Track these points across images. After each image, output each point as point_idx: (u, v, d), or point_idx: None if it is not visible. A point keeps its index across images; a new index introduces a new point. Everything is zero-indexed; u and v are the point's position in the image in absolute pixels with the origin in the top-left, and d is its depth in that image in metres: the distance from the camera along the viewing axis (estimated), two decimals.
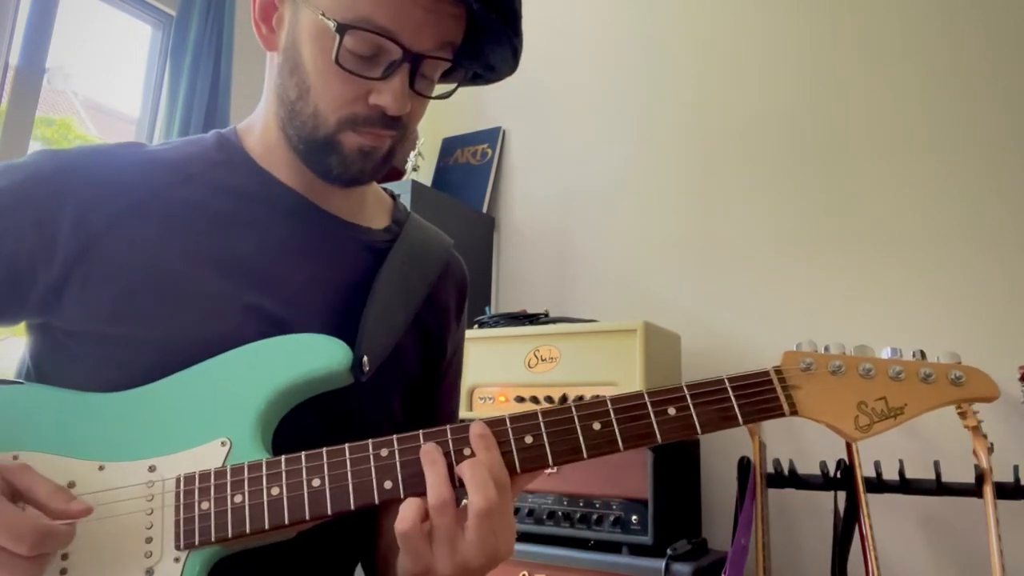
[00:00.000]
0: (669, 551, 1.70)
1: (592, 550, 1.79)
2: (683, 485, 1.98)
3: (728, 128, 2.39)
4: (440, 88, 0.87)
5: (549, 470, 1.83)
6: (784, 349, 0.78)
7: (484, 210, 2.73)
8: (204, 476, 0.69)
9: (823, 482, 1.83)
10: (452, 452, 0.70)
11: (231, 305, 0.77)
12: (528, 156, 2.79)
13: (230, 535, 0.67)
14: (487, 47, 0.83)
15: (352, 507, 0.68)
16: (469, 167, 2.84)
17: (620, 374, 1.84)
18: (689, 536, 1.83)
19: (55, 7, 2.19)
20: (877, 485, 1.78)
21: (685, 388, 0.74)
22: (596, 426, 0.72)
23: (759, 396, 0.74)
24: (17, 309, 0.77)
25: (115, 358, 0.74)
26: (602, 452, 0.72)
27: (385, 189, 1.03)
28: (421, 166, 2.59)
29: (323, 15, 0.75)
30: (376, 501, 0.69)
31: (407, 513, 0.67)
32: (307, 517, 0.68)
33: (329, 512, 0.68)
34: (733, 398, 0.74)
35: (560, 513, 1.83)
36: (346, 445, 0.70)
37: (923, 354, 0.78)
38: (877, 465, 1.79)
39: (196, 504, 0.67)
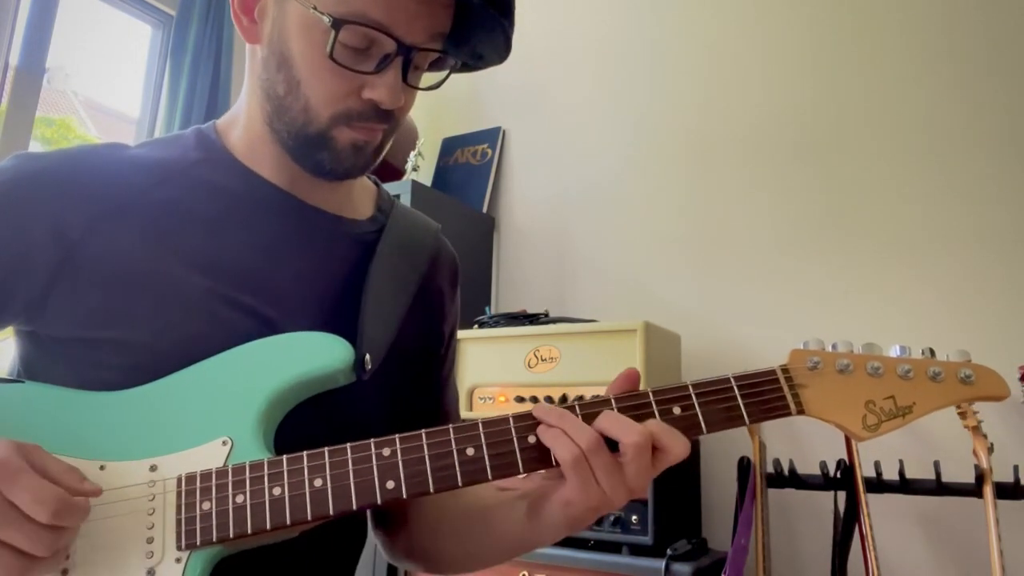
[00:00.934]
0: (669, 551, 1.70)
1: (592, 550, 1.79)
2: (683, 485, 1.98)
3: (729, 128, 2.39)
4: (428, 79, 0.86)
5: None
6: (785, 349, 0.77)
7: (484, 210, 2.73)
8: (205, 476, 0.68)
9: (823, 482, 1.83)
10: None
11: (218, 304, 0.76)
12: (528, 156, 2.79)
13: (231, 535, 0.66)
14: (477, 35, 0.82)
15: (354, 507, 0.68)
16: (469, 167, 2.84)
17: (626, 392, 1.83)
18: (689, 536, 1.83)
19: (55, 7, 2.19)
20: (877, 485, 1.78)
21: (690, 387, 0.73)
22: None
23: (765, 395, 0.73)
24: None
25: (103, 362, 0.74)
26: None
27: (368, 176, 1.02)
28: (421, 166, 2.59)
29: (315, 9, 0.74)
30: (379, 501, 0.68)
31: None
32: (309, 517, 0.67)
33: (331, 512, 0.68)
34: (739, 397, 0.73)
35: None
36: (348, 444, 0.70)
37: (932, 352, 0.77)
38: (877, 465, 1.79)
39: (197, 504, 0.67)
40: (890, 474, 1.77)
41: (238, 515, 0.67)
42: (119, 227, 0.76)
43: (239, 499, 0.67)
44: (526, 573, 1.82)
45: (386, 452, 0.70)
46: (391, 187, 2.29)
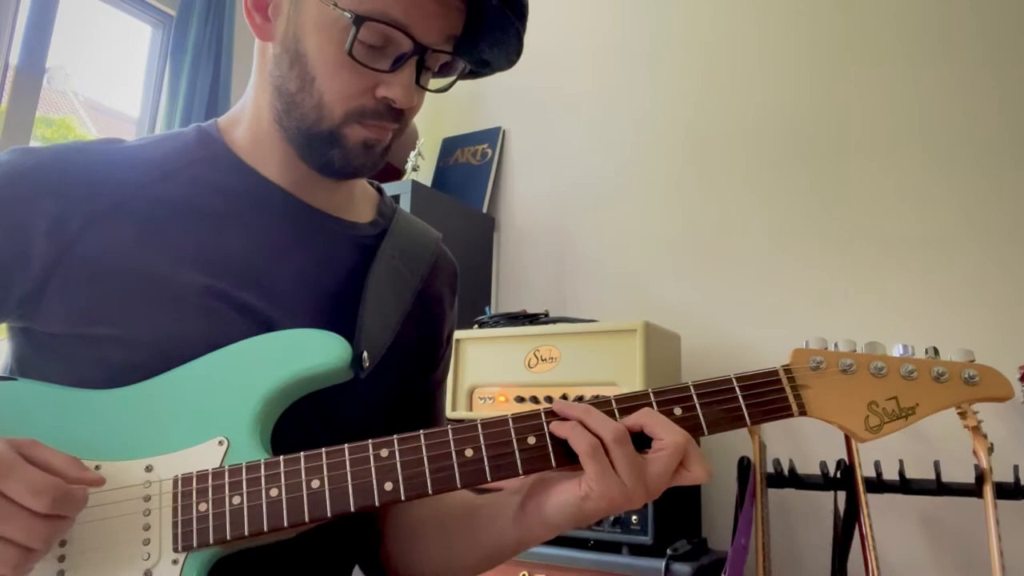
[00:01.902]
0: (669, 551, 1.70)
1: (592, 550, 1.79)
2: (683, 485, 1.97)
3: (729, 127, 2.39)
4: (435, 83, 0.86)
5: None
6: (785, 348, 0.76)
7: (484, 210, 2.72)
8: (202, 476, 0.68)
9: (823, 482, 1.83)
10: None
11: (215, 302, 0.76)
12: (528, 156, 2.78)
13: (228, 537, 0.66)
14: (487, 39, 0.83)
15: (352, 509, 0.67)
16: (469, 167, 2.83)
17: (620, 374, 1.83)
18: (689, 536, 1.83)
19: (55, 7, 2.18)
20: (877, 485, 1.78)
21: (692, 387, 0.72)
22: None
23: (767, 396, 0.73)
24: None
25: (98, 359, 0.73)
26: None
27: (370, 182, 1.01)
28: (421, 166, 2.59)
29: (335, 5, 0.74)
30: (376, 503, 0.68)
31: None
32: (306, 519, 0.67)
33: (329, 514, 0.67)
34: (741, 398, 0.72)
35: None
36: (345, 445, 0.69)
37: (936, 351, 0.76)
38: (877, 465, 1.78)
39: (194, 505, 0.67)
40: (890, 474, 1.77)
41: (235, 517, 0.66)
42: (117, 223, 0.76)
43: (236, 500, 0.67)
44: (526, 573, 1.82)
45: (384, 453, 0.69)
46: (391, 187, 2.28)
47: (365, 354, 0.78)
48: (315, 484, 0.68)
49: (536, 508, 0.74)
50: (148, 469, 0.69)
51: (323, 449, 0.69)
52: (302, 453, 0.69)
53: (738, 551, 1.71)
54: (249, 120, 0.86)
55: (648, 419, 0.70)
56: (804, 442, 2.05)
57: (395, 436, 0.70)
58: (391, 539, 0.91)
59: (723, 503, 2.09)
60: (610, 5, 2.71)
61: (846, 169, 2.17)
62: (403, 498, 0.68)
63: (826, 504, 1.85)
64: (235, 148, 0.86)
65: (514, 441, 0.70)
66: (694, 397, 0.72)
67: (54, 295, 0.74)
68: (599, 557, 1.76)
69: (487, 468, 0.70)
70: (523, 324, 2.10)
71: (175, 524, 0.67)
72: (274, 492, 0.67)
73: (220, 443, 0.70)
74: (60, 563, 0.65)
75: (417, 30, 0.76)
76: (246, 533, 0.66)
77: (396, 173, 2.52)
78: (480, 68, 0.88)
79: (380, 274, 0.86)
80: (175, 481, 0.68)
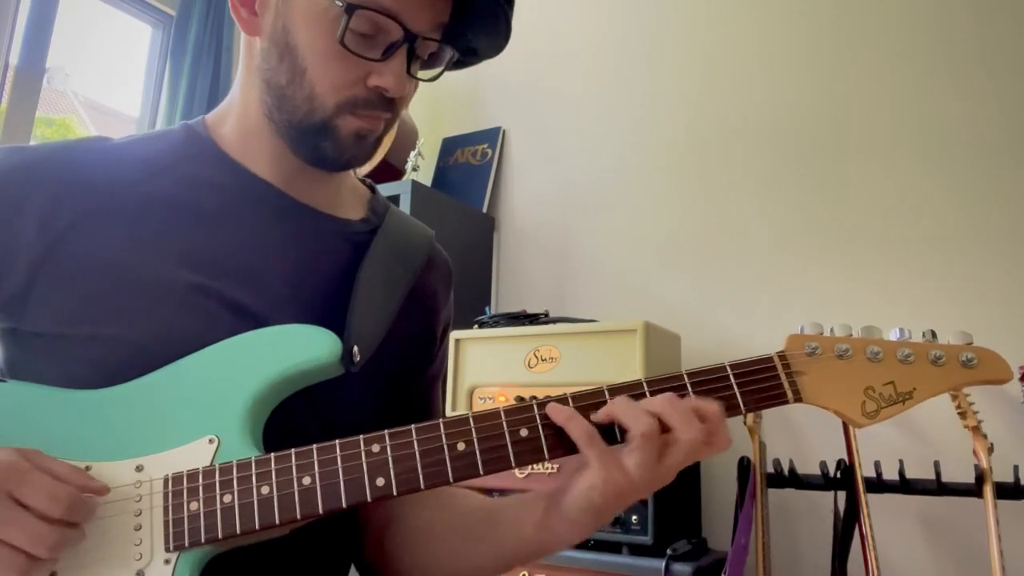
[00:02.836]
0: (669, 551, 1.69)
1: (592, 550, 1.78)
2: (683, 485, 1.97)
3: (729, 127, 2.38)
4: (424, 73, 0.86)
5: (550, 469, 1.83)
6: None
7: (484, 210, 2.72)
8: (192, 476, 0.67)
9: (823, 482, 1.83)
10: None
11: (204, 300, 0.76)
12: (528, 156, 2.78)
13: (220, 536, 0.66)
14: (474, 26, 0.83)
15: (344, 505, 0.67)
16: (469, 167, 2.83)
17: (620, 374, 1.83)
18: (689, 536, 1.82)
19: (55, 7, 2.19)
20: (877, 485, 1.77)
21: (685, 376, 0.72)
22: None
23: (762, 383, 0.72)
24: None
25: (87, 358, 0.73)
26: None
27: (363, 180, 1.01)
28: (421, 166, 2.58)
29: None
30: (368, 499, 0.67)
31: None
32: (298, 516, 0.67)
33: (321, 511, 0.67)
34: (735, 385, 0.71)
35: None
36: (336, 441, 0.69)
37: (934, 334, 0.74)
38: (877, 465, 1.78)
39: (185, 504, 0.66)
40: (890, 474, 1.77)
41: (226, 515, 0.66)
42: (105, 222, 0.76)
43: (227, 499, 0.66)
44: (526, 573, 1.81)
45: (375, 448, 0.69)
46: (391, 187, 2.28)
47: (356, 349, 0.77)
48: (306, 481, 0.67)
49: (556, 505, 0.73)
50: (138, 469, 0.68)
51: (314, 446, 0.69)
52: (293, 450, 0.69)
53: (738, 551, 1.71)
54: (237, 116, 0.86)
55: (614, 408, 0.70)
56: (804, 442, 2.05)
57: (386, 431, 0.70)
58: (396, 540, 0.90)
59: (723, 503, 2.09)
60: (610, 5, 2.71)
61: (846, 169, 2.17)
62: (395, 493, 0.68)
63: (826, 504, 1.84)
64: (223, 145, 0.86)
65: (506, 434, 0.70)
66: (688, 386, 0.71)
67: (41, 294, 0.73)
68: (599, 557, 1.75)
69: (479, 461, 0.69)
70: (523, 324, 2.10)
71: (166, 524, 0.66)
72: (265, 490, 0.67)
73: (210, 441, 0.69)
74: (52, 564, 0.65)
75: (407, 18, 0.76)
76: (238, 532, 0.66)
77: (396, 173, 2.52)
78: (467, 57, 0.87)
79: (372, 270, 0.86)
80: (166, 480, 0.67)
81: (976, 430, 1.65)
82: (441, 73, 0.86)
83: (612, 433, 0.70)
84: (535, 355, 1.98)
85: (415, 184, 2.38)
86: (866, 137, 2.16)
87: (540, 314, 2.17)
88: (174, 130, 0.88)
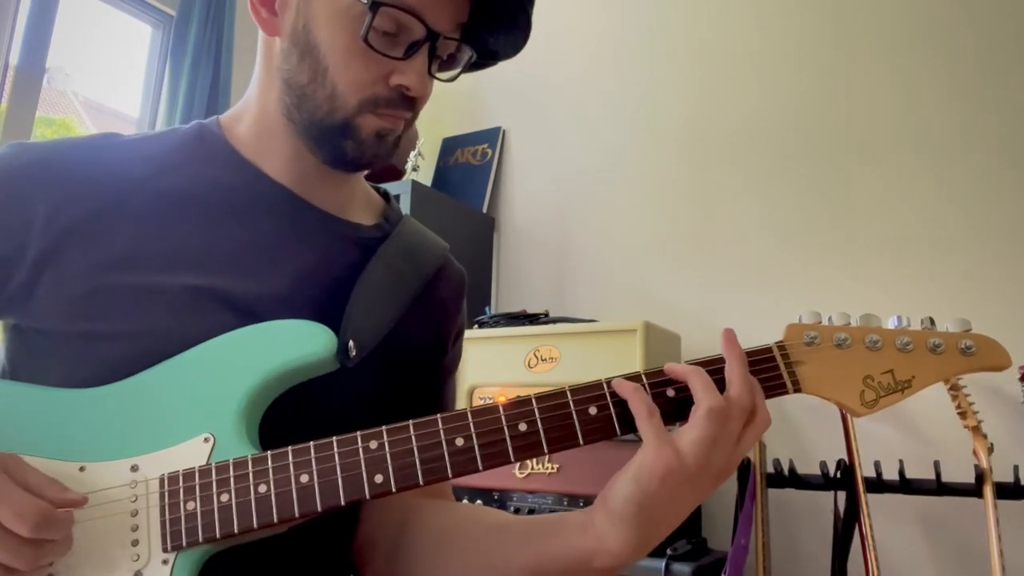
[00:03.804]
0: (669, 551, 1.69)
1: None
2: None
3: (728, 127, 2.38)
4: (442, 74, 0.86)
5: (550, 469, 1.83)
6: None
7: (484, 210, 2.72)
8: (188, 475, 0.67)
9: (823, 482, 1.83)
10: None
11: (206, 300, 0.75)
12: (528, 156, 2.78)
13: (218, 535, 0.65)
14: (493, 26, 0.83)
15: (343, 502, 0.66)
16: (469, 167, 2.83)
17: (620, 374, 1.82)
18: (689, 536, 1.82)
19: (55, 7, 2.18)
20: (877, 485, 1.77)
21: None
22: (592, 411, 0.69)
23: (761, 374, 0.71)
24: None
25: (90, 355, 0.72)
26: (599, 438, 0.69)
27: (378, 189, 1.01)
28: (421, 166, 2.58)
29: None
30: (367, 496, 0.66)
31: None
32: (296, 514, 0.66)
33: (319, 509, 0.66)
34: None
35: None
36: (334, 438, 0.68)
37: (932, 322, 0.74)
38: (877, 465, 1.78)
39: (182, 504, 0.66)
40: (890, 474, 1.77)
41: (224, 514, 0.65)
42: (112, 218, 0.76)
43: (224, 498, 0.66)
44: None
45: (373, 445, 0.68)
46: (391, 187, 2.28)
47: (351, 343, 0.76)
48: (304, 478, 0.67)
49: (601, 500, 0.70)
50: (134, 469, 0.68)
51: (311, 443, 0.68)
52: (290, 448, 0.68)
53: (738, 551, 1.70)
54: (254, 116, 0.85)
55: (692, 375, 0.70)
56: (804, 442, 2.05)
57: (384, 427, 0.69)
58: (407, 544, 0.86)
59: (723, 503, 2.08)
60: (610, 5, 2.71)
61: (846, 168, 2.17)
62: (394, 490, 0.67)
63: (826, 504, 1.84)
64: (237, 144, 0.85)
65: (505, 429, 0.69)
66: None
67: (45, 290, 0.73)
68: None
69: (478, 457, 0.68)
70: (523, 324, 2.10)
71: (163, 524, 0.66)
72: (263, 488, 0.66)
73: (206, 440, 0.68)
74: (49, 566, 0.64)
75: (429, 16, 0.76)
76: (236, 531, 0.65)
77: (396, 173, 2.52)
78: (485, 59, 0.87)
79: (377, 271, 0.85)
80: (161, 480, 0.67)
81: (976, 430, 1.65)
82: (459, 74, 0.86)
83: (670, 418, 0.70)
84: (535, 355, 1.98)
85: (415, 184, 2.38)
86: (866, 136, 2.15)
87: (540, 314, 2.17)
88: (186, 128, 0.87)
